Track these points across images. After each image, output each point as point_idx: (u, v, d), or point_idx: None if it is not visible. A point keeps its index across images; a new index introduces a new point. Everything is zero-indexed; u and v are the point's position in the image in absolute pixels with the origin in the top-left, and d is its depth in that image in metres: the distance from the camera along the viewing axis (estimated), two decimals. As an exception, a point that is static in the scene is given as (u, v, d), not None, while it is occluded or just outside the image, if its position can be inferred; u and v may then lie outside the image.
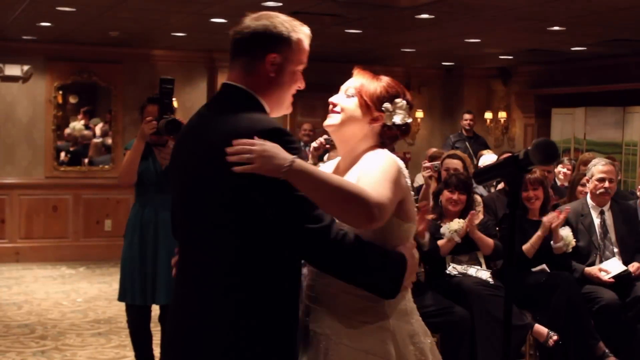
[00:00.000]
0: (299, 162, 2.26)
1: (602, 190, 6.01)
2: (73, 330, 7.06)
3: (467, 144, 11.47)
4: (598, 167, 6.07)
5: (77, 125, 11.05)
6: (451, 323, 5.31)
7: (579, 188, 6.63)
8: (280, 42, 2.44)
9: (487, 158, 8.30)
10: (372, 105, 2.62)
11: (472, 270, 5.69)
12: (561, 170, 8.05)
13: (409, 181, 2.56)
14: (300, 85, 2.55)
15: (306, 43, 2.51)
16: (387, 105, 2.63)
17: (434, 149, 9.55)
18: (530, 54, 10.49)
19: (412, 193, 2.60)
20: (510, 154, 2.27)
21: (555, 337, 5.52)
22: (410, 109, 2.68)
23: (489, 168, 2.44)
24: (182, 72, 11.37)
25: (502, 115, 12.68)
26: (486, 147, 10.81)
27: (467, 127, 11.74)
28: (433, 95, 13.09)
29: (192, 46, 10.74)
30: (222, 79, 11.15)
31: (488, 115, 12.76)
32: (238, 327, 2.34)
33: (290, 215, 2.30)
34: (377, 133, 2.65)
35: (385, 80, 2.67)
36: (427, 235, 5.36)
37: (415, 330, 2.60)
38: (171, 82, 5.00)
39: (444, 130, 13.12)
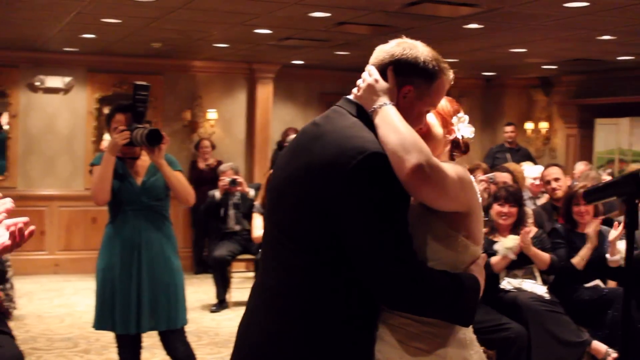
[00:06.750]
0: (388, 107, 2.28)
1: None
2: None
3: (507, 155, 11.34)
4: None
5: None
6: (507, 339, 5.21)
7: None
8: (421, 76, 2.33)
9: (528, 171, 8.08)
10: (448, 121, 2.55)
11: (528, 285, 5.58)
12: None
13: (480, 198, 2.45)
14: (422, 127, 2.44)
15: (445, 87, 2.41)
16: (454, 119, 2.57)
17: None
18: (574, 63, 10.32)
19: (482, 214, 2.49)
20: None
21: (614, 355, 5.37)
22: None
23: (604, 186, 2.31)
24: (222, 83, 11.35)
25: (544, 125, 12.49)
26: (529, 158, 10.66)
27: (509, 140, 11.62)
28: (473, 106, 12.90)
29: (232, 57, 10.69)
30: (261, 90, 11.25)
31: (529, 125, 12.58)
32: (304, 349, 2.28)
33: (370, 253, 2.18)
34: (448, 149, 2.60)
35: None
36: None
37: None
38: (147, 88, 4.66)
39: (483, 141, 12.96)
